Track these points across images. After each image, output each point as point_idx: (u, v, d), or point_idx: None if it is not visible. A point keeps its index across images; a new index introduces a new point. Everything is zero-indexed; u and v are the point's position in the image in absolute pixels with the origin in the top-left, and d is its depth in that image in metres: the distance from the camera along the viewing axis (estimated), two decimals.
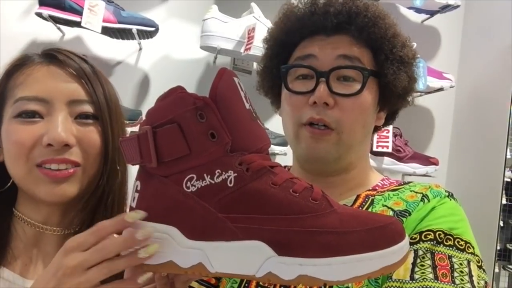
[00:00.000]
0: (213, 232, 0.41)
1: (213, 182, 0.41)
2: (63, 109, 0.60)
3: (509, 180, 1.64)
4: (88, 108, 0.62)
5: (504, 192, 1.59)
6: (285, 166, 0.78)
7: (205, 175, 0.42)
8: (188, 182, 0.42)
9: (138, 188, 0.45)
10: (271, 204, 0.41)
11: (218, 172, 0.41)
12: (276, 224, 0.40)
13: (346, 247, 0.38)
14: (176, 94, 0.43)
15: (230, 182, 0.41)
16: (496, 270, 1.66)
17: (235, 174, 0.41)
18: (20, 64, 0.62)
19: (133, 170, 0.50)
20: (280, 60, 0.71)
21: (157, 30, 1.39)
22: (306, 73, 0.66)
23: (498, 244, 1.60)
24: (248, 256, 0.40)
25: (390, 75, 0.65)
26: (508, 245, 1.76)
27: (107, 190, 0.64)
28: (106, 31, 1.34)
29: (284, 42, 0.70)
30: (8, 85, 0.62)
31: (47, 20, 1.29)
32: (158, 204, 0.43)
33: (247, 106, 0.44)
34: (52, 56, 0.63)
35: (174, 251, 0.42)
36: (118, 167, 0.65)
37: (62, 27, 1.38)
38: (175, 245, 0.42)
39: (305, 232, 0.39)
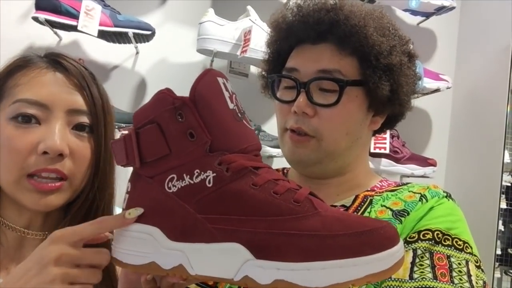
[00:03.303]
0: (192, 233, 0.40)
1: (192, 182, 0.41)
2: (61, 117, 0.60)
3: (509, 184, 1.64)
4: (85, 119, 0.62)
5: (504, 196, 1.58)
6: (283, 168, 0.79)
7: (184, 175, 0.41)
8: (170, 183, 0.42)
9: (128, 190, 0.46)
10: (250, 205, 0.39)
11: (197, 172, 0.41)
12: (254, 226, 0.38)
13: (327, 251, 0.36)
14: (157, 95, 0.43)
15: (209, 182, 0.40)
16: (498, 275, 1.64)
17: (214, 174, 0.40)
18: (23, 65, 0.62)
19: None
20: (275, 66, 0.74)
21: (153, 33, 1.40)
22: (290, 84, 0.68)
23: (498, 249, 1.59)
24: (226, 259, 0.39)
25: (372, 84, 0.65)
26: (510, 250, 1.74)
27: (97, 201, 0.64)
28: (102, 34, 1.34)
29: (277, 50, 0.73)
30: (7, 83, 0.61)
31: (44, 25, 1.29)
32: (142, 204, 0.44)
33: (231, 106, 0.43)
34: (57, 62, 0.63)
35: (157, 252, 0.42)
36: (109, 179, 0.66)
37: (59, 31, 1.38)
38: (157, 246, 0.42)
39: (284, 235, 0.37)
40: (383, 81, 0.65)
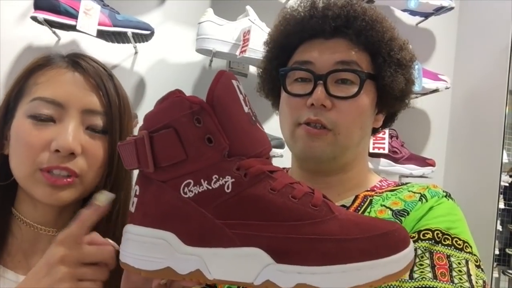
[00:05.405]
0: (210, 238, 0.40)
1: (210, 187, 0.40)
2: (76, 117, 0.60)
3: (506, 184, 1.64)
4: (100, 120, 0.63)
5: (502, 196, 1.59)
6: (283, 168, 0.78)
7: (202, 180, 0.41)
8: (186, 188, 0.41)
9: (137, 193, 0.45)
10: (269, 210, 0.39)
11: (215, 177, 0.40)
12: (274, 231, 0.39)
13: (347, 255, 0.37)
14: (172, 98, 0.42)
15: (228, 188, 0.40)
16: (496, 275, 1.65)
17: (233, 180, 0.40)
18: (44, 64, 0.63)
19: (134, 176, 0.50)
20: (279, 63, 0.72)
21: (152, 33, 1.39)
22: (304, 76, 0.67)
23: (496, 249, 1.59)
24: (246, 263, 0.39)
25: (387, 78, 0.66)
26: (507, 250, 1.75)
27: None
28: (101, 34, 1.33)
29: (284, 45, 0.71)
30: (28, 81, 0.62)
31: (43, 24, 1.28)
32: (155, 209, 0.43)
33: (246, 109, 0.43)
34: (77, 63, 0.64)
35: (172, 257, 0.41)
36: (123, 180, 0.66)
37: (57, 31, 1.37)
38: (172, 251, 0.41)
39: (304, 240, 0.38)
40: (399, 74, 0.66)
